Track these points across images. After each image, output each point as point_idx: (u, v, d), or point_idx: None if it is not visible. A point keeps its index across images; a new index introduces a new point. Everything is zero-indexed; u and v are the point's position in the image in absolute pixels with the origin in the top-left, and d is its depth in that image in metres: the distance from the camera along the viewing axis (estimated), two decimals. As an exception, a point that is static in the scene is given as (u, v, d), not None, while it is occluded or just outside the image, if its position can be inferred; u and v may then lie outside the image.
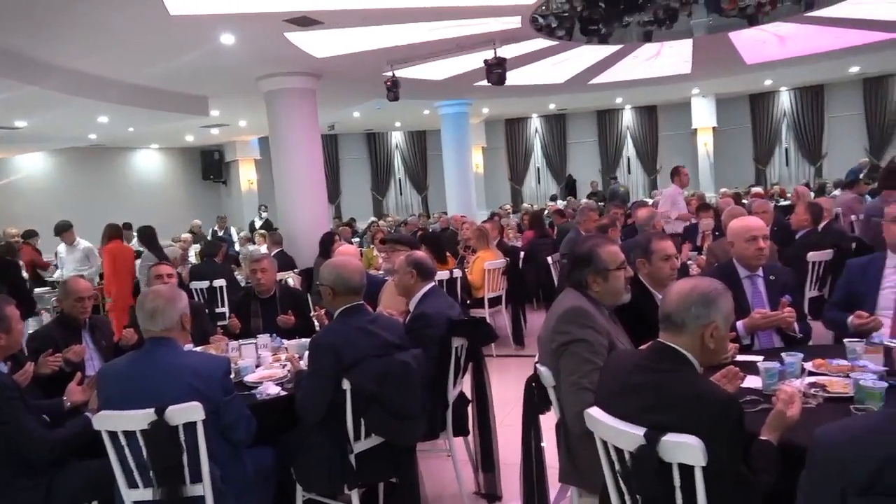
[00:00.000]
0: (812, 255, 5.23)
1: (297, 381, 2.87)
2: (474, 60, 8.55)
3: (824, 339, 3.59)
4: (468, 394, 3.48)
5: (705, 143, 17.23)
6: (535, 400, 2.52)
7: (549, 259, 6.60)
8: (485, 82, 7.98)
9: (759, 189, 12.12)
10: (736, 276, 3.31)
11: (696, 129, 17.23)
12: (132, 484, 2.38)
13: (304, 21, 6.27)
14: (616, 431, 1.80)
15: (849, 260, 3.47)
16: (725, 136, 17.39)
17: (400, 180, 19.57)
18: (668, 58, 10.12)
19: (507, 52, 7.76)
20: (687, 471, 1.67)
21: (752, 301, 3.27)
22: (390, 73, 8.09)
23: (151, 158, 16.69)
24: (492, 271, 6.37)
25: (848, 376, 2.41)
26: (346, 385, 2.62)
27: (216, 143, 16.45)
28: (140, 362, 2.46)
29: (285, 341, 3.90)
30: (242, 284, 7.06)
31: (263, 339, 3.86)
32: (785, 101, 17.13)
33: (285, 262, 7.45)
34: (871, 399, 2.10)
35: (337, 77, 8.67)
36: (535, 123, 19.19)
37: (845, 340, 2.72)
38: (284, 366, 3.38)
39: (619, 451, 1.82)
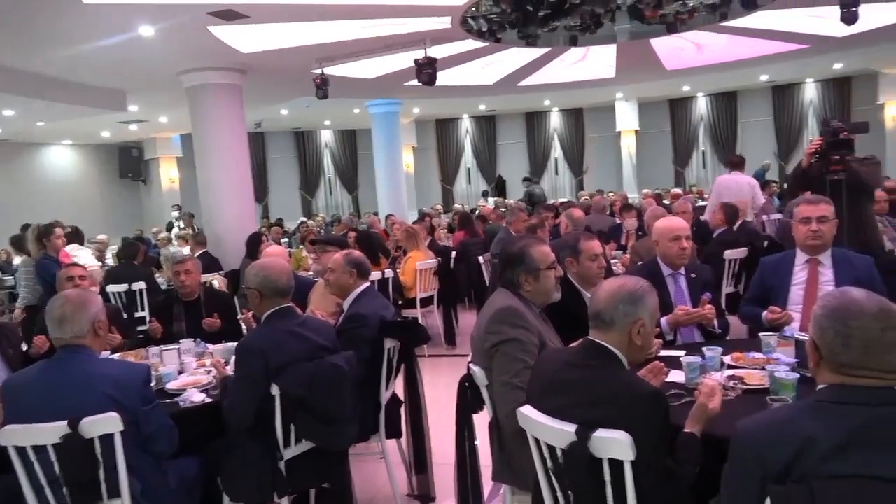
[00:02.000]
0: (728, 254, 5.48)
1: (223, 388, 2.76)
2: (405, 60, 8.53)
3: (741, 333, 3.79)
4: (400, 395, 3.47)
5: (628, 146, 17.83)
6: (468, 400, 2.53)
7: (481, 259, 6.65)
8: (415, 82, 7.97)
9: (678, 190, 12.64)
10: (660, 274, 3.43)
11: (620, 132, 17.80)
12: (43, 502, 2.24)
13: (229, 14, 6.08)
14: (548, 429, 1.82)
15: (762, 258, 3.64)
16: (647, 139, 18.04)
17: (330, 179, 19.32)
18: (593, 62, 10.41)
19: (438, 52, 7.77)
20: (617, 465, 1.71)
21: (674, 298, 3.39)
22: (319, 71, 7.96)
23: (64, 155, 15.79)
24: (423, 271, 6.36)
25: (764, 369, 2.54)
26: (275, 390, 2.54)
27: (135, 139, 15.75)
28: (50, 372, 2.31)
29: (210, 346, 3.77)
30: (163, 287, 6.79)
31: (187, 344, 3.70)
32: (702, 106, 17.95)
33: (210, 264, 7.20)
34: (784, 390, 2.21)
35: (264, 73, 8.45)
36: (466, 124, 19.35)
37: (760, 335, 2.86)
38: (209, 371, 3.26)
39: (551, 448, 1.84)
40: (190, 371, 3.35)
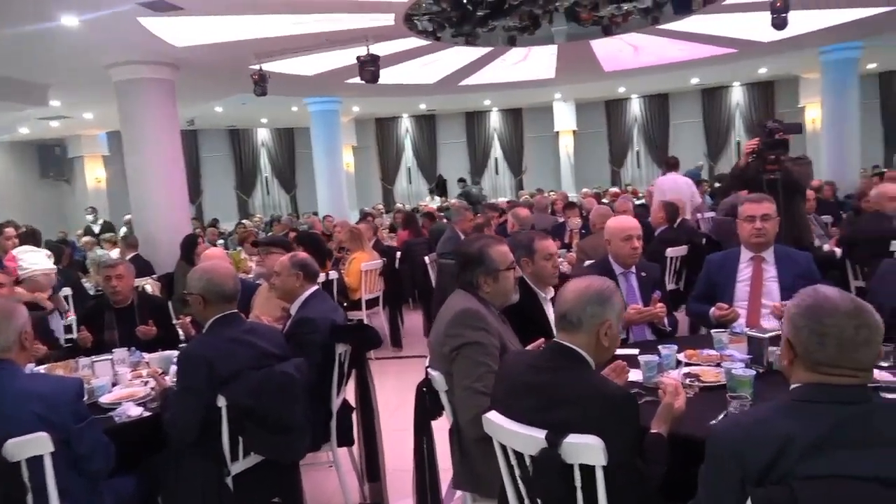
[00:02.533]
0: (670, 252, 5.60)
1: (164, 400, 2.59)
2: (346, 57, 8.36)
3: (682, 329, 3.86)
4: (351, 401, 3.36)
5: (566, 146, 18.12)
6: (426, 405, 2.45)
7: (426, 259, 6.57)
8: (356, 80, 7.81)
9: (616, 189, 12.92)
10: (612, 272, 3.44)
11: (558, 132, 18.07)
12: (-39, 533, 2.03)
13: (161, 6, 5.78)
14: (516, 435, 1.77)
15: (708, 256, 3.70)
16: (584, 140, 18.39)
17: (267, 179, 18.84)
18: (534, 62, 10.48)
19: (380, 49, 7.64)
20: (588, 470, 1.67)
21: (626, 297, 3.40)
22: (257, 67, 7.69)
23: (-23, 153, 14.82)
24: (368, 272, 6.24)
25: (719, 365, 2.57)
26: (221, 402, 2.40)
27: (57, 136, 14.91)
28: (-30, 390, 2.10)
29: (146, 355, 3.56)
30: (91, 292, 6.42)
31: (120, 353, 3.49)
32: (636, 107, 18.43)
33: (142, 268, 6.85)
34: (741, 387, 2.23)
35: (198, 69, 8.10)
36: (406, 123, 19.24)
37: (712, 332, 2.90)
38: (146, 382, 3.07)
39: (519, 455, 1.78)
40: (124, 383, 3.15)
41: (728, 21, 8.75)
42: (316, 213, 13.24)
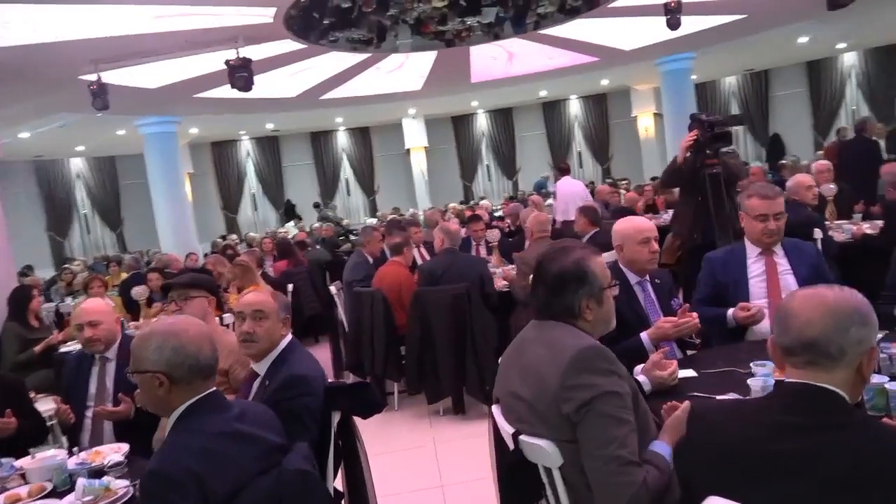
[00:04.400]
0: (607, 256, 5.31)
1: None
2: (197, 66, 7.25)
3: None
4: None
5: (419, 163, 17.83)
6: (521, 489, 1.74)
7: (332, 288, 5.74)
8: (207, 93, 6.75)
9: (486, 202, 12.76)
10: (627, 282, 2.97)
11: (409, 150, 17.74)
12: None
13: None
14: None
15: (707, 254, 3.36)
16: (435, 156, 18.23)
17: (86, 216, 16.36)
18: (406, 72, 9.95)
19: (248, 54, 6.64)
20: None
21: (646, 308, 2.97)
22: (95, 76, 6.31)
23: None
24: (267, 310, 5.27)
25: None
26: (223, 537, 1.52)
27: None
28: None
29: (17, 462, 2.48)
30: None
31: (-22, 466, 2.38)
32: (483, 122, 18.67)
33: (-44, 335, 5.28)
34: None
35: (13, 79, 6.48)
36: (246, 146, 17.81)
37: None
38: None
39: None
40: (1, 514, 2.09)
41: (597, 29, 8.89)
42: (158, 251, 11.57)
